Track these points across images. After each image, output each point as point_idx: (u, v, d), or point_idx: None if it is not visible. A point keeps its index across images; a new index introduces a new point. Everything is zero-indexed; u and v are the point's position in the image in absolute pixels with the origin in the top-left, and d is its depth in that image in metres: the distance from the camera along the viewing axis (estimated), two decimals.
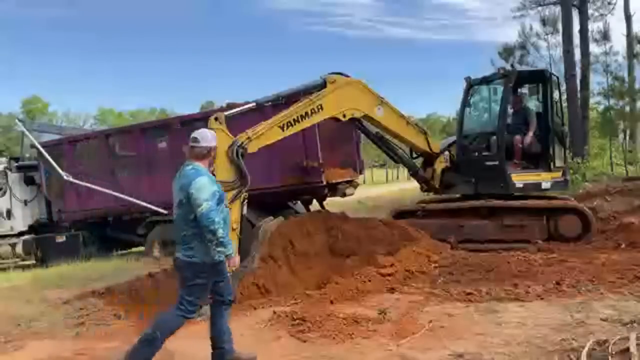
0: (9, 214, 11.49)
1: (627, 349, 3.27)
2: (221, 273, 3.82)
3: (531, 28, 19.60)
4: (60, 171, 10.26)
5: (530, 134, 8.15)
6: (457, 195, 8.61)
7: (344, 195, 9.60)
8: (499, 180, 7.95)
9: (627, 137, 22.26)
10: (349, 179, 9.58)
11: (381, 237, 7.17)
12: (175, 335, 4.70)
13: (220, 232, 3.53)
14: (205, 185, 3.58)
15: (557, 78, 9.28)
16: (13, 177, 11.59)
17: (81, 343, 4.94)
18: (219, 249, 3.59)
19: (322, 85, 6.73)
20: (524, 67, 17.51)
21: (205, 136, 3.85)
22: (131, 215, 10.43)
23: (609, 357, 3.26)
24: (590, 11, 17.99)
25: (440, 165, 8.51)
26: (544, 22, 19.27)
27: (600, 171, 15.82)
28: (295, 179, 8.75)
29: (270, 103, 6.70)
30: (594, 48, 17.82)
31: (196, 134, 3.86)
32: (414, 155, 8.57)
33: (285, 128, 6.23)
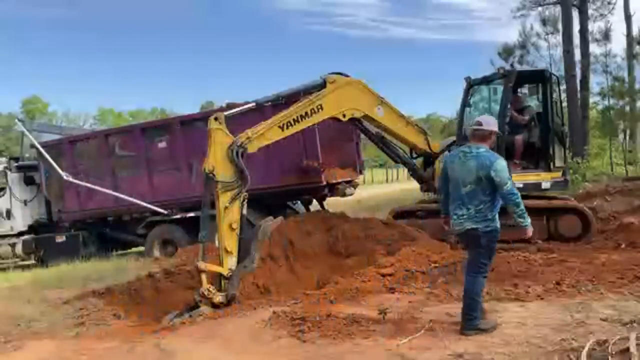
0: (8, 214, 11.51)
1: (627, 349, 3.26)
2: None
3: (531, 28, 19.58)
4: (60, 171, 10.26)
5: (527, 117, 8.20)
6: None
7: (344, 195, 9.61)
8: None
9: (627, 137, 22.20)
10: (349, 179, 9.59)
11: (381, 237, 7.17)
12: (177, 335, 4.72)
13: (522, 205, 4.10)
14: (505, 167, 4.09)
15: (557, 78, 9.26)
16: (13, 177, 11.61)
17: (81, 343, 4.94)
18: (519, 219, 4.12)
19: (322, 85, 6.72)
20: (524, 67, 17.51)
21: (488, 121, 4.32)
22: (131, 215, 10.45)
23: (609, 357, 3.25)
24: (590, 11, 17.97)
25: (440, 165, 8.50)
26: (544, 22, 19.24)
27: (600, 171, 15.78)
28: (295, 179, 8.76)
29: (270, 103, 6.70)
30: (593, 48, 17.82)
31: (480, 118, 4.37)
32: (414, 155, 8.56)
33: (285, 128, 6.23)
